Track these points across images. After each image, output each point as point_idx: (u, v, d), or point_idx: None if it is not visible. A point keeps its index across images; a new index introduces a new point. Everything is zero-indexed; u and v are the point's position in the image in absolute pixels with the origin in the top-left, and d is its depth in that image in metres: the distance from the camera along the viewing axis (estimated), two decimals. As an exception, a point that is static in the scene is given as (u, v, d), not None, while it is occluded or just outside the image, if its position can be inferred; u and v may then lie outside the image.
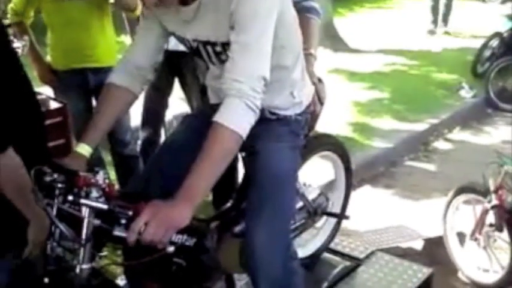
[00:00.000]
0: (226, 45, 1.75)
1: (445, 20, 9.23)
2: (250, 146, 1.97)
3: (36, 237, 1.75)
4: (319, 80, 2.36)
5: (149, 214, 1.50)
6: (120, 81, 1.94)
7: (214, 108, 2.09)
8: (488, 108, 6.24)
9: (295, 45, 1.98)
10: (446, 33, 9.10)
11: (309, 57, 2.30)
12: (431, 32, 9.04)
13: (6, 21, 3.11)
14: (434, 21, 9.14)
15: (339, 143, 2.70)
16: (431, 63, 7.46)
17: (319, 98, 2.29)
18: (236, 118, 1.64)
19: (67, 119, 3.05)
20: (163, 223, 1.50)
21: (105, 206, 1.52)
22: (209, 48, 1.83)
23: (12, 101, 1.79)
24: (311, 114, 2.18)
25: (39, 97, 2.73)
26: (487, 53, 6.94)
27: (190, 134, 2.00)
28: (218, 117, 1.64)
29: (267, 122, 1.99)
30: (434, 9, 9.10)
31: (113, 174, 3.53)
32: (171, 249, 1.59)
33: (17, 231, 1.78)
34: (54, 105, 3.08)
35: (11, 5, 3.28)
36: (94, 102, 3.29)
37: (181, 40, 1.91)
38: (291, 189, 2.05)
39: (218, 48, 1.81)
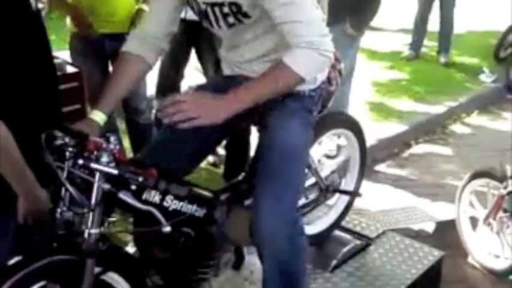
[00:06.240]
0: (233, 5, 1.75)
1: (445, 43, 6.74)
2: (263, 120, 1.95)
3: (26, 210, 1.71)
4: (335, 57, 2.32)
5: (193, 97, 1.53)
6: (134, 50, 1.94)
7: (227, 80, 2.07)
8: (508, 94, 6.13)
9: None
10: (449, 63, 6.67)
11: None
12: (408, 58, 6.75)
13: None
14: (415, 43, 6.75)
15: (354, 121, 2.67)
16: (453, 45, 7.33)
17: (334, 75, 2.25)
18: (304, 65, 1.75)
19: (83, 84, 3.04)
20: (200, 108, 1.59)
21: (115, 171, 1.52)
22: (216, 9, 1.81)
23: (29, 63, 1.78)
24: (326, 91, 2.15)
25: (55, 61, 2.72)
26: (511, 38, 6.80)
27: None
28: (286, 58, 1.74)
29: (280, 96, 1.97)
30: (419, 26, 6.64)
31: (127, 142, 3.54)
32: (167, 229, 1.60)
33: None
34: (70, 69, 3.06)
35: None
36: (110, 68, 3.28)
37: (193, 4, 1.89)
38: (301, 164, 2.03)
39: (225, 9, 1.79)
